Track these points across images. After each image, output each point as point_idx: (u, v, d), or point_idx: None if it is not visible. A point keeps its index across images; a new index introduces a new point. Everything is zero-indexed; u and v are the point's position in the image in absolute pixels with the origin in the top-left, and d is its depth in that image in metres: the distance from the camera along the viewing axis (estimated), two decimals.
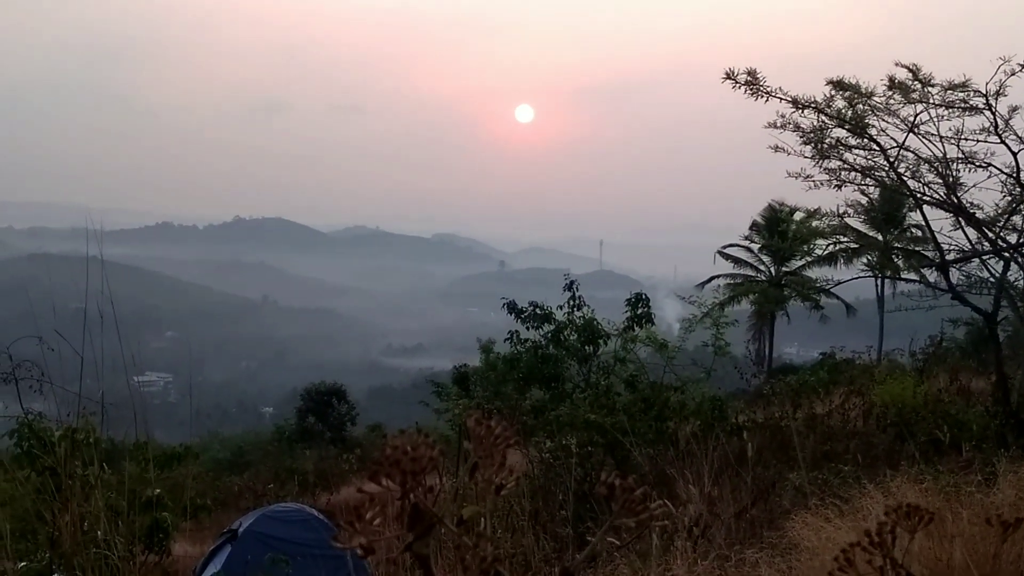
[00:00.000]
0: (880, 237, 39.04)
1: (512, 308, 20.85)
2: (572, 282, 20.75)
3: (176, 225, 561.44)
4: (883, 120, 13.86)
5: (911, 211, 30.75)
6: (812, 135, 14.07)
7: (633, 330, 19.97)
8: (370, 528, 1.05)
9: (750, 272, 51.11)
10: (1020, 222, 14.55)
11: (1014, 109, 13.33)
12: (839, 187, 14.67)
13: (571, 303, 20.56)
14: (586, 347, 20.04)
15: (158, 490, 9.44)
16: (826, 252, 39.82)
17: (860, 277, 37.26)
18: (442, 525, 1.08)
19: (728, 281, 51.17)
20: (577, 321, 20.28)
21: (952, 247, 14.90)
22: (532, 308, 20.65)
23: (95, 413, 8.18)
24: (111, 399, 8.34)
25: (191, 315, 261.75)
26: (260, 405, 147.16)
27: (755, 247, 50.66)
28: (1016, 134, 13.33)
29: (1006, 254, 14.40)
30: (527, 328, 20.57)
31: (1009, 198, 14.07)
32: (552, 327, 20.35)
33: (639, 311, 20.26)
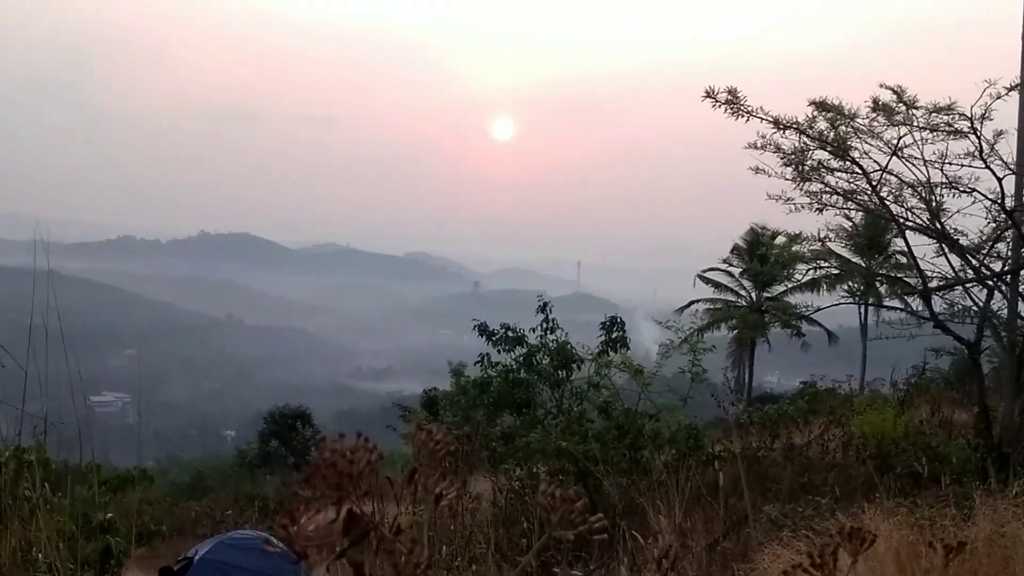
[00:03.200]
0: (863, 263, 39.29)
1: (483, 330, 20.84)
2: (546, 304, 20.76)
3: (139, 239, 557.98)
4: (866, 143, 13.99)
5: (894, 237, 31.03)
6: (793, 157, 14.19)
7: (608, 355, 19.98)
8: (304, 532, 1.07)
9: (731, 297, 51.34)
10: (1004, 250, 14.68)
11: (999, 133, 13.47)
12: (821, 211, 14.78)
13: (544, 326, 20.57)
14: (559, 372, 20.04)
15: (110, 514, 9.37)
16: (808, 278, 40.06)
17: (842, 304, 37.43)
18: (377, 531, 1.10)
19: (708, 306, 51.33)
20: (550, 345, 20.28)
21: (935, 274, 15.03)
22: (504, 330, 20.64)
23: (47, 433, 8.11)
24: (66, 419, 8.28)
25: (152, 333, 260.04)
26: (222, 428, 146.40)
27: (736, 271, 50.90)
28: (1001, 159, 13.47)
29: (990, 282, 14.52)
30: (499, 351, 20.56)
31: (993, 225, 14.19)
32: (524, 351, 20.35)
33: (614, 335, 20.28)
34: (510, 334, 20.57)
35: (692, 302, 51.62)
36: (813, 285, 41.09)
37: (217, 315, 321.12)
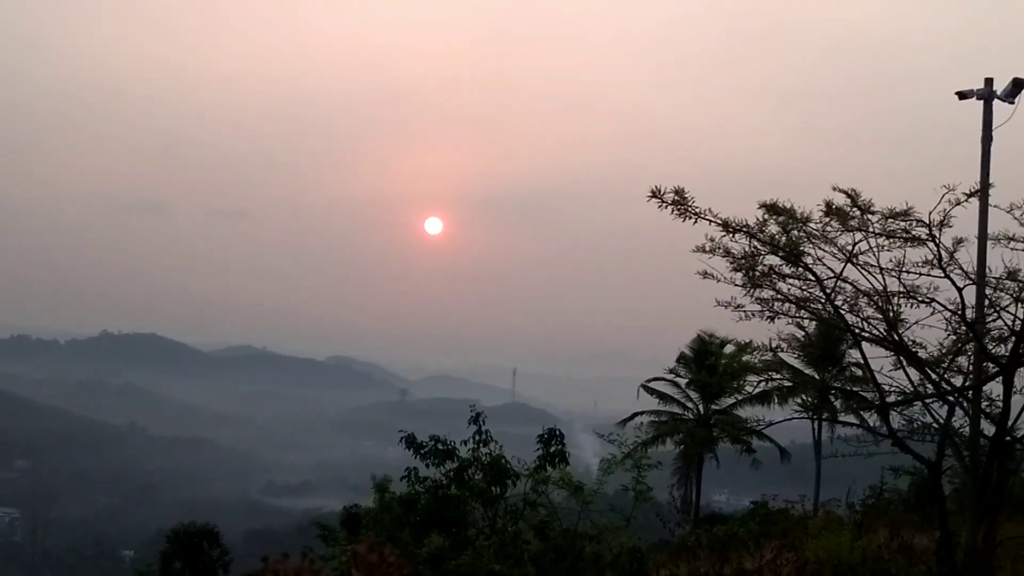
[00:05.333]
0: (816, 375, 39.67)
1: (411, 443, 20.65)
2: (478, 414, 20.64)
3: (34, 338, 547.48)
4: (820, 248, 14.22)
5: (850, 348, 31.44)
6: (743, 261, 14.37)
7: (545, 470, 19.87)
8: None
9: (676, 409, 51.38)
10: (966, 363, 14.89)
11: (959, 241, 13.74)
12: (772, 319, 14.95)
13: (477, 438, 20.42)
14: (492, 488, 19.87)
15: None
16: (758, 390, 40.29)
17: (795, 418, 37.73)
18: None
19: (652, 418, 51.30)
20: (483, 459, 20.13)
21: (893, 388, 15.19)
22: (433, 443, 20.46)
23: None
24: None
25: (46, 442, 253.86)
26: (120, 548, 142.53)
27: (682, 382, 51.03)
28: (961, 268, 13.72)
29: (951, 398, 14.69)
30: (427, 465, 20.35)
31: (954, 337, 14.41)
32: (455, 465, 20.16)
33: (552, 449, 20.22)
34: (440, 447, 20.40)
35: (635, 414, 51.52)
36: (764, 398, 41.27)
37: (118, 423, 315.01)
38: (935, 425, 15.19)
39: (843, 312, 14.53)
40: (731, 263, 14.36)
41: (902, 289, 14.12)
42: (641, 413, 51.75)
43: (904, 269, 13.98)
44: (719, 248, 14.24)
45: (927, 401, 15.08)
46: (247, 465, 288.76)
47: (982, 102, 16.26)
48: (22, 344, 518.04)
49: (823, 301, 14.55)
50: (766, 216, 14.02)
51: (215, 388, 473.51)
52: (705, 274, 14.53)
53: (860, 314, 14.57)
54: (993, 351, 14.74)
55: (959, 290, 13.71)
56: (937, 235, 13.48)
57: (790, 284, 14.63)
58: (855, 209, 13.75)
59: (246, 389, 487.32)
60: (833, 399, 37.18)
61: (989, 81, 16.37)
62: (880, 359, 15.10)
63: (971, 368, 14.92)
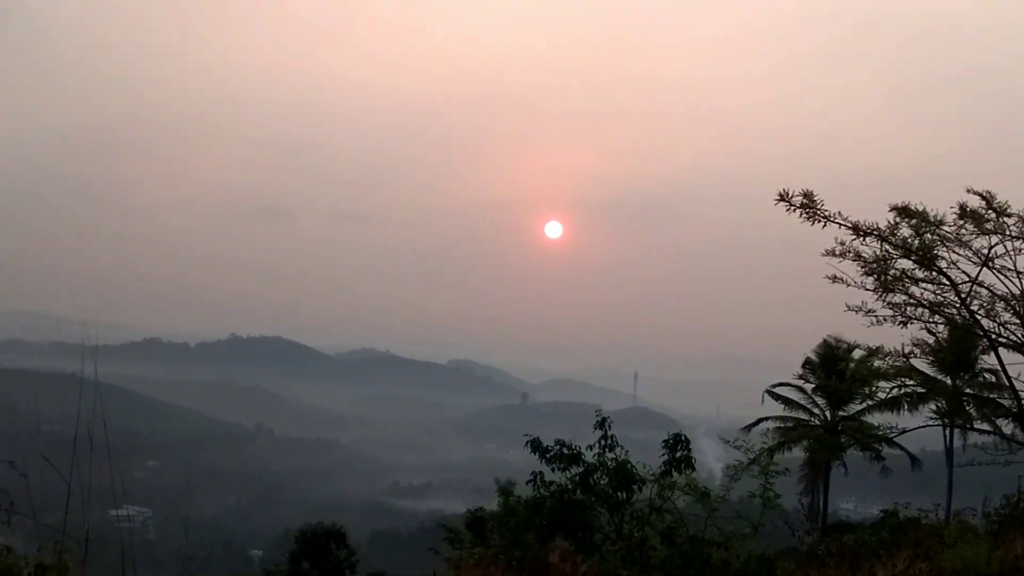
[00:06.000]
0: (949, 381, 38.76)
1: (536, 446, 20.70)
2: (604, 419, 20.63)
3: (165, 341, 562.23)
4: (954, 252, 13.96)
5: (984, 353, 30.65)
6: (875, 266, 14.16)
7: (671, 475, 19.76)
8: None
9: (803, 415, 50.57)
10: None
11: None
12: (904, 324, 14.71)
13: (603, 443, 20.40)
14: (618, 493, 19.82)
15: None
16: (889, 396, 39.48)
17: (927, 426, 36.93)
18: None
19: (778, 424, 50.58)
20: (608, 463, 20.10)
21: None
22: (559, 447, 20.49)
23: (70, 549, 8.14)
24: (84, 534, 8.30)
25: (177, 443, 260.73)
26: (249, 547, 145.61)
27: (808, 387, 50.19)
28: None
29: None
30: (552, 469, 20.39)
31: None
32: (581, 469, 20.17)
33: (678, 454, 20.09)
34: (565, 451, 20.41)
35: (760, 419, 50.81)
36: (894, 404, 40.39)
37: (247, 424, 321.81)
38: None
39: (979, 317, 14.23)
40: (862, 267, 14.16)
41: None
42: (766, 419, 51.03)
43: None
44: (849, 252, 14.06)
45: None
46: (371, 467, 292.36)
47: None
48: (154, 347, 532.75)
49: (958, 306, 14.27)
50: (898, 219, 13.80)
51: (339, 390, 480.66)
52: (835, 278, 14.35)
53: (997, 319, 14.26)
54: None
55: None
56: None
57: (923, 288, 14.39)
58: (990, 211, 13.46)
59: (369, 392, 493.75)
60: (967, 406, 36.25)
61: None
62: (1017, 365, 14.75)
63: None
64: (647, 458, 20.59)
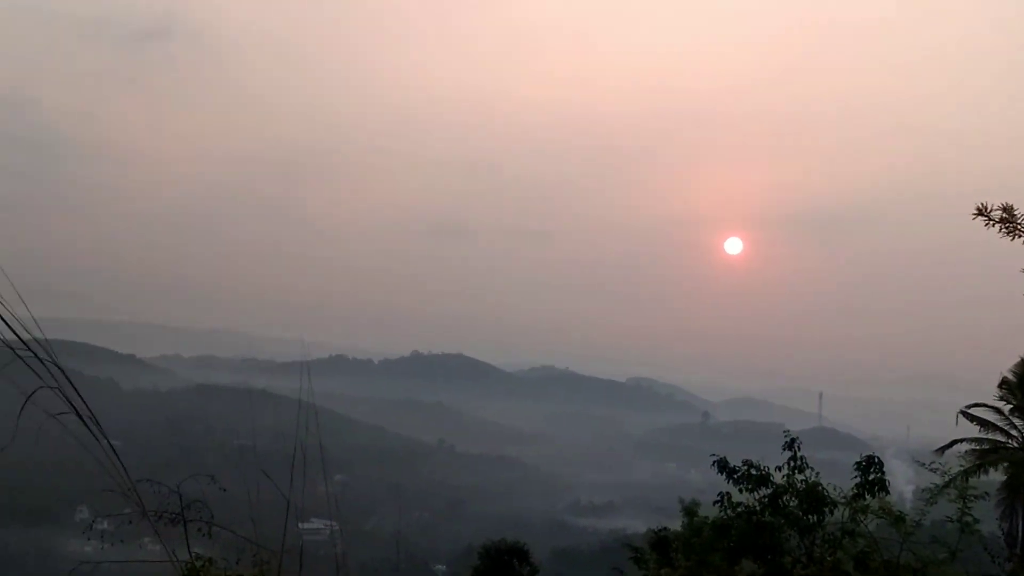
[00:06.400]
0: None
1: (723, 466, 20.31)
2: (793, 440, 20.11)
3: (350, 358, 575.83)
4: None
5: None
6: None
7: (864, 498, 19.13)
8: None
9: (1000, 437, 48.55)
10: None
11: None
12: None
13: (791, 464, 19.87)
14: (809, 516, 19.27)
15: None
16: None
17: None
18: None
19: (973, 447, 48.69)
20: (798, 485, 19.56)
21: None
22: (746, 468, 20.05)
23: (268, 562, 8.24)
24: (275, 546, 8.44)
25: (362, 457, 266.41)
26: (432, 562, 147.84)
27: (1006, 408, 48.19)
28: None
29: None
30: (740, 490, 19.96)
31: None
32: (769, 491, 19.68)
33: (871, 476, 19.44)
34: (753, 472, 19.95)
35: (954, 441, 49.05)
36: None
37: (428, 440, 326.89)
38: None
39: None
40: None
41: None
42: (961, 440, 49.22)
43: None
44: None
45: None
46: (551, 484, 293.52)
47: None
48: (339, 364, 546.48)
49: None
50: None
51: (519, 407, 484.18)
52: None
53: None
54: None
55: None
56: None
57: None
58: None
59: (549, 409, 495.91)
60: None
61: None
62: None
63: None
64: (834, 480, 20.01)
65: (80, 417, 6.29)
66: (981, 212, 13.22)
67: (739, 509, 19.81)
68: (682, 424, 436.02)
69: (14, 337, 5.98)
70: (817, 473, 19.93)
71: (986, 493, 22.97)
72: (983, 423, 49.07)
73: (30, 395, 6.08)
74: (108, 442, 6.50)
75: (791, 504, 19.46)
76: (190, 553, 7.81)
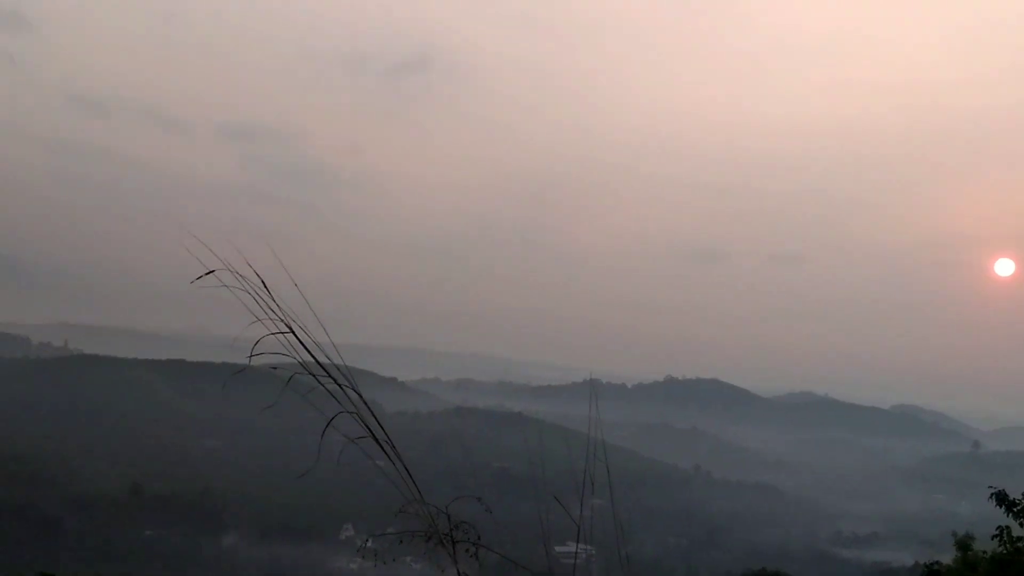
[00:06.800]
0: None
1: (1002, 499, 19.19)
2: None
3: (604, 382, 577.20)
4: None
5: None
6: None
7: None
8: None
9: None
10: None
11: None
12: None
13: None
14: None
15: None
16: None
17: None
18: None
19: None
20: None
21: None
22: None
23: None
24: (534, 568, 8.45)
25: (618, 482, 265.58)
26: None
27: None
28: None
29: None
30: (1021, 524, 18.81)
31: None
32: None
33: None
34: None
35: None
36: None
37: (684, 466, 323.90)
38: None
39: None
40: None
41: None
42: None
43: None
44: None
45: None
46: (811, 513, 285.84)
47: None
48: (594, 388, 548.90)
49: None
50: None
51: (777, 433, 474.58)
52: None
53: None
54: None
55: None
56: None
57: None
58: None
59: (808, 435, 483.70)
60: None
61: None
62: None
63: None
64: None
65: (377, 441, 6.55)
66: None
67: (1019, 544, 18.73)
68: (950, 453, 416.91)
69: (313, 360, 6.23)
70: None
71: None
72: None
73: (331, 420, 6.33)
74: (404, 465, 6.75)
75: None
76: (459, 573, 7.92)
